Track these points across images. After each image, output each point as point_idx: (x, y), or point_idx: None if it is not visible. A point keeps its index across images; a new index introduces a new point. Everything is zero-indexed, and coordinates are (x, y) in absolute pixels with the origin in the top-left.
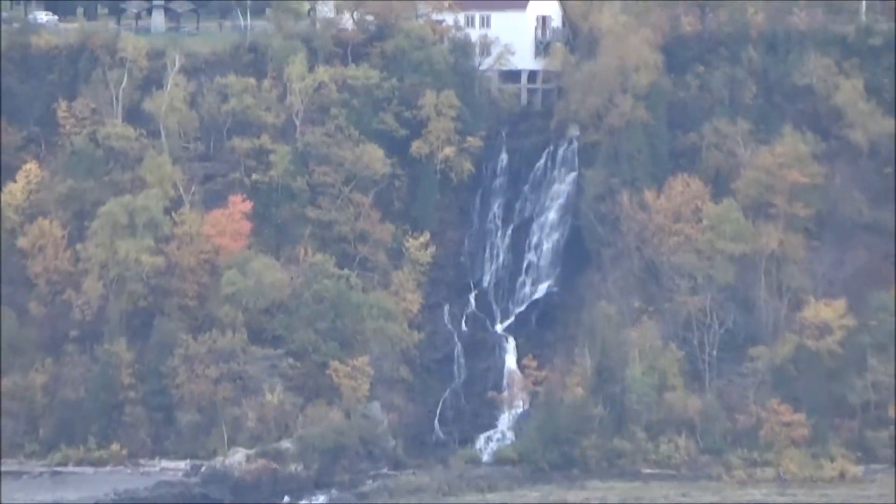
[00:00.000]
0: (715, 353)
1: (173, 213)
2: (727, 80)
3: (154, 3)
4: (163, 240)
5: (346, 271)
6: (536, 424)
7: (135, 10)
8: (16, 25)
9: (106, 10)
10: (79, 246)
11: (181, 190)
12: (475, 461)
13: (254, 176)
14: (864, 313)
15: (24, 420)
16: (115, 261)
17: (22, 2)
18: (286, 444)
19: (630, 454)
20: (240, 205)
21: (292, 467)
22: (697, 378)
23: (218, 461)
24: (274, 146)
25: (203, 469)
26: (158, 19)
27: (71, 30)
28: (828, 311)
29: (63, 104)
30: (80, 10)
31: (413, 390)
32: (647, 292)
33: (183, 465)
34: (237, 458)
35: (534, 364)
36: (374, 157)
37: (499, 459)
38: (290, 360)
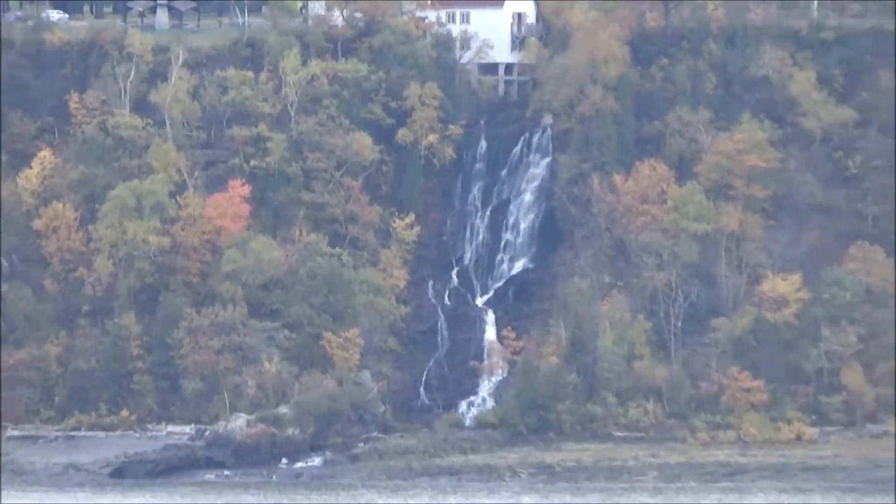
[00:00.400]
0: (680, 324)
1: (178, 197)
2: (689, 72)
3: (158, 1)
4: (168, 221)
5: (337, 250)
6: (515, 391)
7: (140, 9)
8: (30, 23)
9: (110, 9)
10: (90, 227)
11: (185, 175)
12: (458, 425)
13: (252, 162)
14: (818, 287)
15: (40, 388)
16: (123, 241)
17: (35, 1)
18: (283, 409)
19: (602, 418)
20: (239, 189)
21: (289, 431)
22: (663, 348)
23: (221, 426)
24: (270, 134)
25: (207, 433)
26: (162, 17)
27: (81, 27)
28: (784, 286)
29: (75, 96)
30: (86, 9)
31: (400, 360)
32: (617, 268)
33: (188, 429)
34: (238, 423)
35: (512, 335)
36: (363, 145)
37: (480, 423)
38: (286, 333)
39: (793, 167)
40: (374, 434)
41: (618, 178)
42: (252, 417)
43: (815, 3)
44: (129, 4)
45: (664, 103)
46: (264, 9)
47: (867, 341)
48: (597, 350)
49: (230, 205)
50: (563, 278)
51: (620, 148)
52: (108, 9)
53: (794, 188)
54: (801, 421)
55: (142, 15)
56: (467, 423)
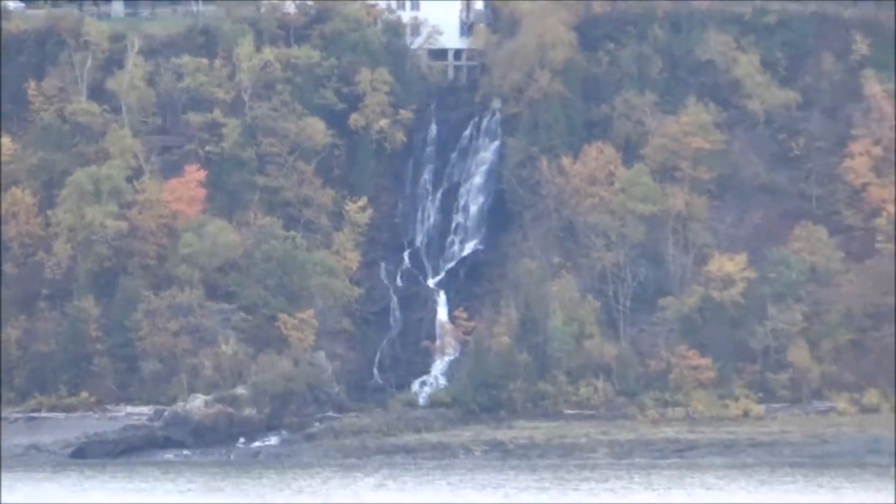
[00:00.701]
0: (628, 304)
1: (135, 182)
2: (635, 56)
3: None
4: (125, 206)
5: (292, 233)
6: (467, 370)
7: None
8: None
9: None
10: (49, 212)
11: (141, 160)
12: (412, 404)
13: (207, 147)
14: (764, 267)
15: (0, 371)
16: (82, 225)
17: None
18: (240, 390)
19: (552, 396)
20: (195, 174)
21: (246, 411)
22: (612, 327)
23: (179, 406)
24: (225, 120)
25: (165, 414)
26: (117, 6)
27: (38, 16)
28: (731, 265)
29: (33, 84)
30: None
31: (353, 340)
32: (565, 249)
33: (146, 410)
34: (196, 403)
35: (464, 315)
36: (316, 129)
37: (433, 402)
38: (242, 314)
39: (737, 149)
40: (329, 413)
41: (566, 161)
42: (209, 398)
43: None
44: None
45: (611, 87)
46: None
47: (812, 319)
48: (547, 329)
49: (186, 189)
50: (513, 259)
51: (569, 131)
52: None
53: (738, 169)
54: (748, 398)
55: (97, 4)
56: (421, 402)
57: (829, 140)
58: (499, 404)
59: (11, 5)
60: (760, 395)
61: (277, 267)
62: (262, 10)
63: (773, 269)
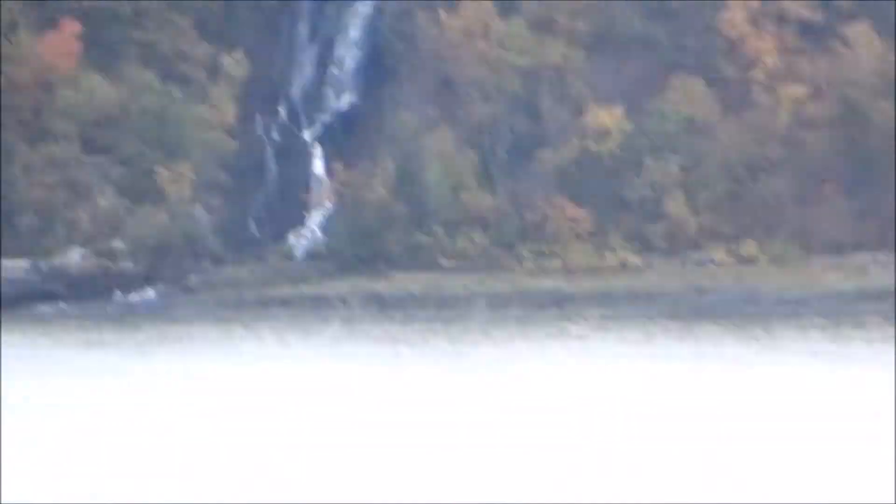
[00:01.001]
0: (505, 156)
1: (9, 37)
2: None
3: None
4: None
5: (169, 87)
6: (344, 222)
7: None
8: None
9: None
10: None
11: (15, 14)
12: (289, 256)
13: (83, 1)
14: (641, 119)
15: None
16: None
17: None
18: (118, 243)
19: (430, 248)
20: (70, 26)
21: (123, 265)
22: (489, 179)
23: (56, 260)
24: None
25: (42, 267)
26: None
27: None
28: (607, 117)
29: None
30: None
31: (229, 193)
32: (442, 102)
33: (23, 263)
34: (73, 257)
35: (341, 167)
36: None
37: (310, 255)
38: (119, 168)
39: (615, 2)
40: (207, 266)
41: (443, 14)
42: (86, 251)
43: None
44: None
45: None
46: None
47: (689, 171)
48: (424, 182)
49: (62, 43)
50: (389, 113)
51: None
52: None
53: (615, 22)
54: (624, 249)
55: None
56: (298, 254)
57: None
58: (376, 256)
59: None
60: (637, 245)
61: (154, 121)
62: None
63: (650, 120)
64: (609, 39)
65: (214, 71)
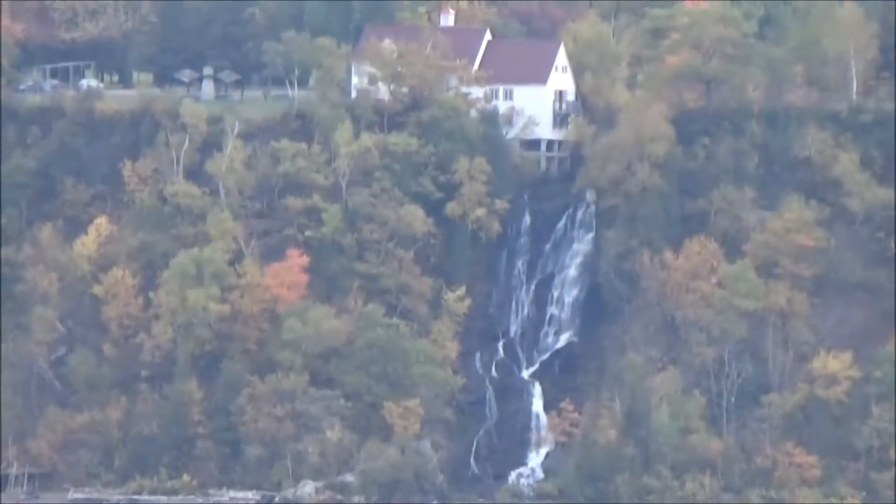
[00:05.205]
0: (732, 399)
1: (236, 266)
2: (732, 151)
3: (204, 73)
4: (227, 289)
5: (395, 321)
6: (574, 462)
7: (186, 80)
8: (83, 91)
9: (149, 76)
10: (151, 293)
11: (241, 244)
12: (518, 495)
13: (307, 232)
14: (867, 366)
15: (101, 452)
16: (184, 308)
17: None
18: (349, 477)
19: (658, 491)
20: (297, 259)
21: (355, 499)
22: (716, 423)
23: (290, 492)
24: (325, 205)
25: (276, 499)
26: (208, 88)
27: (131, 96)
28: (835, 364)
29: (128, 164)
30: (137, 78)
31: (453, 429)
32: (666, 343)
33: (250, 495)
34: (307, 489)
35: (570, 407)
36: (416, 217)
37: (539, 494)
38: (344, 401)
39: (836, 246)
40: (434, 503)
41: (668, 255)
42: (319, 485)
43: (854, 85)
44: (177, 75)
45: (708, 181)
46: (311, 81)
47: None
48: (651, 424)
49: (288, 274)
50: (610, 352)
51: (666, 224)
52: (145, 75)
53: (837, 267)
54: (852, 496)
55: (188, 85)
56: (526, 493)
57: None
58: (605, 497)
59: (88, 84)
60: (864, 493)
61: (381, 354)
62: (353, 94)
63: (879, 368)
64: (830, 284)
65: (436, 306)
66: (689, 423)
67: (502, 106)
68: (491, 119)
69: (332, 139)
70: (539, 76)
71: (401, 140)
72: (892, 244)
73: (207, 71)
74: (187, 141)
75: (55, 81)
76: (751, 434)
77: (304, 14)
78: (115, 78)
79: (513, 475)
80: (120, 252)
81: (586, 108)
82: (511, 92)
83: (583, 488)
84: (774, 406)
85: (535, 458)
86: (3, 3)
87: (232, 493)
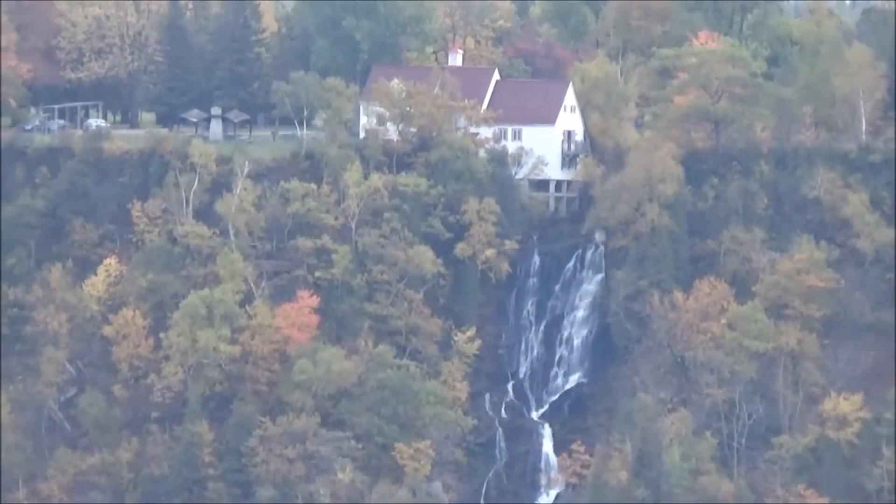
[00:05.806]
0: (743, 441)
1: (247, 307)
2: (741, 191)
3: (213, 114)
4: (237, 330)
5: (405, 362)
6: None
7: (195, 119)
8: (90, 131)
9: (152, 117)
10: (161, 334)
11: (251, 285)
12: None
13: (317, 273)
14: (878, 407)
15: (111, 493)
16: (194, 349)
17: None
18: None
19: None
20: (308, 300)
21: None
22: (727, 464)
23: None
24: (334, 246)
25: None
26: (216, 128)
27: (139, 137)
28: (846, 405)
29: (137, 204)
30: (144, 118)
31: (462, 471)
32: (677, 385)
33: None
34: None
35: (580, 448)
36: (425, 258)
37: None
38: (355, 443)
39: (845, 287)
40: None
41: (678, 296)
42: None
43: (864, 125)
44: (184, 115)
45: (717, 222)
46: (317, 121)
47: None
48: (662, 465)
49: (299, 315)
50: (620, 393)
51: (675, 265)
52: (147, 115)
53: (846, 308)
54: None
55: (197, 126)
56: None
57: None
58: None
59: (94, 123)
60: None
61: (391, 395)
62: (362, 135)
63: (889, 409)
64: (839, 325)
65: (446, 347)
66: (700, 465)
67: (511, 146)
68: (500, 159)
69: (341, 179)
70: (548, 116)
71: (410, 180)
72: None
73: (216, 111)
74: (196, 181)
75: (62, 121)
76: (761, 476)
77: (310, 54)
78: (118, 118)
79: None
80: (129, 293)
81: (595, 148)
82: (520, 132)
83: None
84: (785, 447)
85: (546, 500)
86: (9, 43)
87: None
